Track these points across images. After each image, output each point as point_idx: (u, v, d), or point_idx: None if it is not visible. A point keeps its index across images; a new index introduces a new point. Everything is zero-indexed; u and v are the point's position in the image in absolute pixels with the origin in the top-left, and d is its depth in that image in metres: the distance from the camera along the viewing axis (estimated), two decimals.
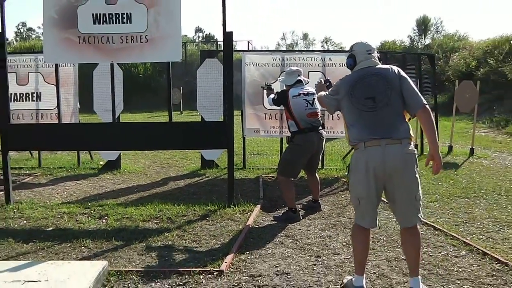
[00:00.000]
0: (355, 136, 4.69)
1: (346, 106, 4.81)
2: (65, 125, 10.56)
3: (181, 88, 29.65)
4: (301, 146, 7.58)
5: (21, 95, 11.63)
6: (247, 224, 7.13)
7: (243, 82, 11.30)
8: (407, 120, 4.71)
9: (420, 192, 4.63)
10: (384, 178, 4.57)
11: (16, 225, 7.26)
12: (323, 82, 5.95)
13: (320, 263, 5.71)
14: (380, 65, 4.91)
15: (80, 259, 5.80)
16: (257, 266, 5.62)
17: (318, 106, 7.64)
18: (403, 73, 4.79)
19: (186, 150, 14.16)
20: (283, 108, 7.87)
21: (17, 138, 8.22)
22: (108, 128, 8.72)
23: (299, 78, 7.85)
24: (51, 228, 7.09)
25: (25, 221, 7.45)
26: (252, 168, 11.86)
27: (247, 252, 6.11)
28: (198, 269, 5.51)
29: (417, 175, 4.59)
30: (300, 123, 7.57)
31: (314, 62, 11.43)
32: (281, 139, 11.89)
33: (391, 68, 4.83)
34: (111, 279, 5.23)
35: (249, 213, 7.76)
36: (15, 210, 7.97)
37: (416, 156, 4.63)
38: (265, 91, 8.94)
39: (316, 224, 7.31)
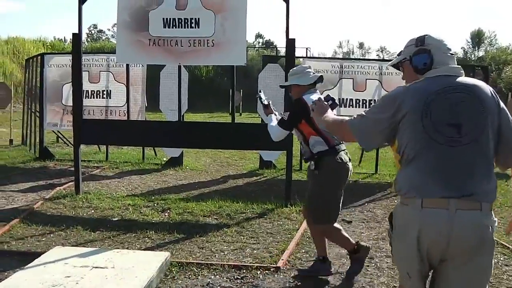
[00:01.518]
0: (411, 182, 3.03)
1: (408, 130, 3.04)
2: (133, 122, 11.10)
3: (241, 91, 30.10)
4: (336, 171, 5.36)
5: (92, 92, 12.26)
6: (303, 223, 7.40)
7: None
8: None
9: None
10: (442, 258, 3.02)
11: (84, 214, 7.78)
12: (323, 100, 3.89)
13: (373, 264, 5.91)
14: (466, 78, 3.16)
15: (144, 249, 6.22)
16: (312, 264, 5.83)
17: None
18: (498, 99, 3.15)
19: (245, 151, 14.51)
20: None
21: (88, 132, 8.76)
22: (174, 126, 9.19)
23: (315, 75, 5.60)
24: (116, 219, 7.57)
25: (92, 211, 7.96)
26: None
27: (303, 251, 6.39)
28: (256, 264, 5.81)
29: (492, 261, 3.06)
30: (330, 138, 5.26)
31: (372, 70, 11.65)
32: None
33: (485, 85, 3.13)
34: (173, 269, 5.60)
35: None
36: (83, 200, 8.51)
37: (495, 229, 3.03)
38: (260, 103, 5.96)
39: (370, 227, 7.55)
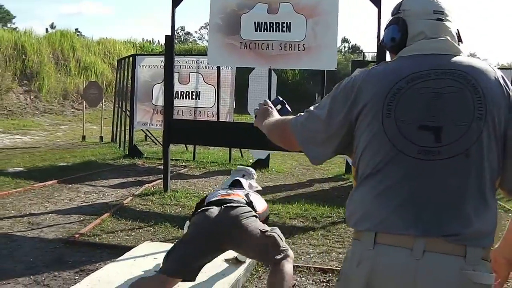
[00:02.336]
0: (364, 208, 2.07)
1: (365, 134, 2.09)
2: (222, 123, 11.23)
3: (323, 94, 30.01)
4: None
5: (182, 93, 12.51)
6: None
7: None
8: (495, 197, 2.06)
9: None
10: None
11: (172, 211, 7.93)
12: (269, 104, 2.84)
13: None
14: (459, 57, 2.09)
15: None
16: None
17: None
18: None
19: None
20: None
21: (178, 132, 8.92)
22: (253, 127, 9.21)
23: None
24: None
25: (180, 209, 8.10)
26: None
27: None
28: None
29: None
30: None
31: None
32: None
33: (489, 69, 2.08)
34: (259, 269, 5.63)
35: None
36: (171, 198, 8.67)
37: None
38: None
39: None
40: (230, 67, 12.10)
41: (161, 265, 4.21)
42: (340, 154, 2.32)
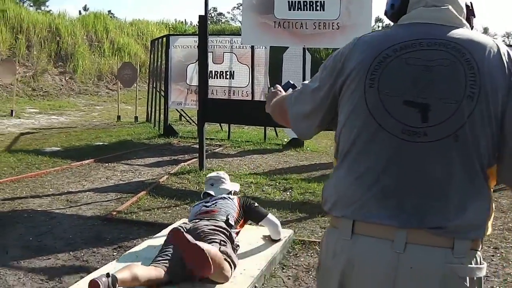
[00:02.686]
0: (341, 191, 1.88)
1: (347, 106, 1.91)
2: (256, 102, 11.16)
3: None
4: None
5: (216, 73, 12.49)
6: None
7: None
8: (489, 187, 1.84)
9: None
10: None
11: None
12: (278, 88, 2.49)
13: (499, 255, 5.67)
14: (458, 30, 1.87)
15: None
16: None
17: None
18: None
19: None
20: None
21: (213, 111, 8.94)
22: None
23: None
24: (239, 196, 7.68)
25: None
26: None
27: None
28: None
29: None
30: None
31: None
32: None
33: (490, 42, 1.84)
34: (296, 247, 5.64)
35: None
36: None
37: (482, 282, 1.82)
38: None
39: (495, 217, 7.27)
40: (264, 47, 12.02)
41: None
42: (328, 130, 2.13)
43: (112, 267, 4.44)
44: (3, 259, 5.01)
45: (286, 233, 5.66)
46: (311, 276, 4.94)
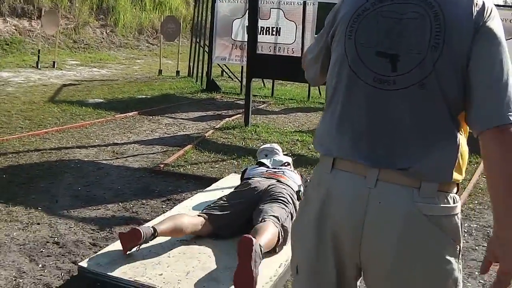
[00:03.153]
0: (324, 132, 2.07)
1: (333, 56, 2.07)
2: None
3: None
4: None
5: (262, 28, 12.19)
6: (474, 175, 7.04)
7: None
8: (460, 132, 1.90)
9: None
10: (359, 256, 1.93)
11: (253, 146, 7.84)
12: None
13: None
14: None
15: None
16: (486, 217, 5.55)
17: None
18: (491, 19, 1.85)
19: None
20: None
21: (261, 67, 8.78)
22: None
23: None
24: (285, 153, 7.55)
25: (261, 143, 7.97)
26: None
27: (476, 202, 6.06)
28: None
29: (445, 271, 1.86)
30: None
31: None
32: None
33: None
34: None
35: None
36: (252, 132, 8.59)
37: (459, 225, 1.89)
38: None
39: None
40: (312, 3, 11.75)
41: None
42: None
43: (162, 217, 4.38)
44: (53, 208, 4.99)
45: None
46: None
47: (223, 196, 4.44)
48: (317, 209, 1.97)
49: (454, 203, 1.87)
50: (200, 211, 4.22)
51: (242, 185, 4.51)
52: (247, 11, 11.94)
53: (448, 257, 1.85)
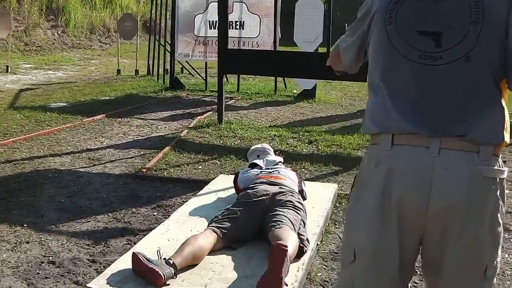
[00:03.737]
0: (376, 113, 2.14)
1: (373, 42, 2.20)
2: (279, 52, 10.64)
3: None
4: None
5: None
6: None
7: None
8: (503, 98, 2.08)
9: (498, 261, 2.09)
10: (424, 223, 2.01)
11: (232, 144, 7.66)
12: None
13: None
14: None
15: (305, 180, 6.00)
16: None
17: None
18: None
19: None
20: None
21: (233, 62, 8.56)
22: (316, 56, 8.83)
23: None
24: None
25: (239, 140, 7.83)
26: None
27: None
28: None
29: (499, 227, 2.03)
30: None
31: None
32: None
33: None
34: (342, 201, 5.41)
35: None
36: (228, 130, 8.38)
37: (504, 184, 2.05)
38: None
39: None
40: None
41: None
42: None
43: (164, 229, 4.17)
44: (40, 223, 4.71)
45: (332, 188, 5.43)
46: None
47: (229, 206, 4.22)
48: (380, 188, 2.02)
49: (503, 167, 2.03)
50: (209, 225, 4.00)
51: (247, 194, 4.30)
52: (209, 5, 11.80)
53: (499, 219, 2.02)
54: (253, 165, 5.02)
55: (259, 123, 9.13)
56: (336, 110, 10.89)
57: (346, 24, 3.08)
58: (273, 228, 3.75)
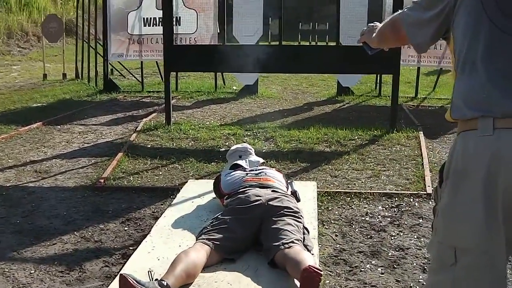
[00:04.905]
0: (473, 95, 1.94)
1: (465, 18, 1.98)
2: (230, 46, 10.13)
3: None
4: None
5: (160, 19, 11.36)
6: (422, 150, 6.85)
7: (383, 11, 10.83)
8: None
9: None
10: None
11: (186, 146, 7.23)
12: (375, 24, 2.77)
13: None
14: None
15: None
16: None
17: None
18: None
19: (312, 77, 13.99)
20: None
21: (181, 59, 8.12)
22: (274, 50, 8.52)
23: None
24: (223, 149, 6.98)
25: (193, 142, 7.41)
26: (387, 96, 11.35)
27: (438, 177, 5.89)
28: (407, 192, 5.40)
29: None
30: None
31: None
32: (418, 68, 11.50)
33: None
34: (323, 199, 5.13)
35: (414, 139, 7.46)
36: (178, 131, 7.90)
37: None
38: None
39: None
40: None
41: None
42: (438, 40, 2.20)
43: (149, 246, 3.74)
44: None
45: (312, 186, 5.16)
46: (356, 230, 4.55)
47: (218, 215, 3.83)
48: (482, 177, 1.83)
49: None
50: (198, 238, 3.60)
51: (237, 200, 3.90)
52: (142, 1, 11.26)
53: None
54: (236, 167, 4.63)
55: (208, 122, 8.70)
56: (282, 105, 10.59)
57: None
58: (284, 249, 3.39)
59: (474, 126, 1.89)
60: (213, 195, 4.68)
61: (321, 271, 3.00)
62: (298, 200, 4.22)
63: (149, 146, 7.20)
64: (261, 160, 4.87)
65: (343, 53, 8.13)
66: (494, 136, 1.83)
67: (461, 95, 1.97)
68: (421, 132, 7.77)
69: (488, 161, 1.82)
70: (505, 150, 1.81)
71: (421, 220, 4.74)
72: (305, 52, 8.67)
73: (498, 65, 1.88)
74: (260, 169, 4.47)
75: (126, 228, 4.55)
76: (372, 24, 2.71)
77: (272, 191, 3.98)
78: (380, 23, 2.64)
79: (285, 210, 3.76)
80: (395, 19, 2.31)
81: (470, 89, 1.93)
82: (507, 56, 1.87)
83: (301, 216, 3.84)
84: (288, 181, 4.54)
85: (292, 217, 3.73)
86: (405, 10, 2.25)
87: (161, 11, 10.57)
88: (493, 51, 1.89)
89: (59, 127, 8.52)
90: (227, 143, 7.25)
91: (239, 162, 4.69)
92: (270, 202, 3.79)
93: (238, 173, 4.39)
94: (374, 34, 2.60)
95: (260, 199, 3.80)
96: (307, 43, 15.10)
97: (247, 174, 4.34)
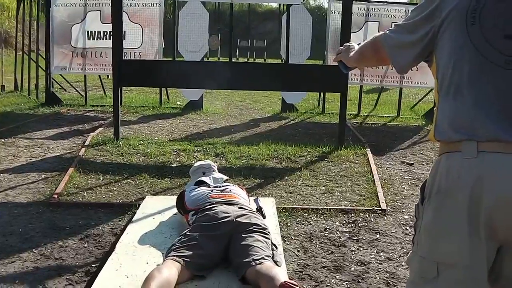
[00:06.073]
0: (458, 119, 2.00)
1: (449, 44, 2.03)
2: (178, 62, 10.05)
3: (219, 35, 28.29)
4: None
5: (105, 33, 11.27)
6: (371, 167, 7.02)
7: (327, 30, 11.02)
8: None
9: None
10: (507, 234, 1.89)
11: (138, 161, 7.16)
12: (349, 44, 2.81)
13: None
14: None
15: None
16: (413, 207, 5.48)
17: None
18: None
19: (255, 94, 14.14)
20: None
21: (130, 74, 8.06)
22: (222, 66, 8.59)
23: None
24: (175, 165, 6.99)
25: (143, 157, 7.34)
26: (331, 114, 11.56)
27: (392, 193, 6.14)
28: (363, 208, 5.56)
29: None
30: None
31: (398, 14, 11.15)
32: (361, 87, 11.81)
33: None
34: (282, 215, 5.19)
35: (362, 156, 7.64)
36: (127, 146, 7.82)
37: None
38: None
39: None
40: (157, 4, 11.05)
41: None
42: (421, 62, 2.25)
43: (116, 264, 3.70)
44: None
45: (271, 202, 5.21)
46: (317, 245, 4.64)
47: (186, 232, 3.82)
48: (466, 197, 1.88)
49: None
50: (168, 255, 3.59)
51: (205, 217, 3.91)
52: (87, 14, 11.13)
53: None
54: (200, 183, 4.64)
55: (156, 138, 8.65)
56: (228, 121, 10.64)
57: None
58: (255, 265, 3.42)
59: (458, 148, 1.95)
60: (173, 211, 4.69)
61: (297, 285, 3.04)
62: (264, 217, 4.25)
63: (99, 161, 7.11)
64: (225, 177, 4.90)
65: (292, 71, 8.27)
66: (478, 159, 1.90)
67: (446, 118, 2.02)
68: (368, 149, 7.96)
69: (472, 182, 1.88)
70: (488, 172, 1.87)
71: (378, 235, 4.87)
72: (256, 70, 8.78)
73: (482, 90, 1.94)
74: (224, 186, 4.49)
75: (85, 245, 4.49)
76: (348, 44, 2.77)
77: (239, 208, 4.01)
78: (343, 44, 2.82)
79: (254, 226, 3.80)
80: (376, 40, 2.36)
81: (455, 112, 1.99)
82: (491, 81, 1.93)
83: (268, 232, 3.88)
84: (254, 198, 4.58)
85: (261, 234, 3.77)
86: (387, 32, 2.30)
87: (106, 25, 10.66)
88: (477, 76, 1.95)
89: (3, 140, 8.28)
90: (177, 159, 7.24)
91: (203, 178, 4.71)
92: (239, 219, 3.82)
93: (203, 189, 4.40)
94: (351, 54, 2.67)
95: (229, 216, 3.83)
96: (245, 59, 15.22)
97: (212, 190, 4.36)
